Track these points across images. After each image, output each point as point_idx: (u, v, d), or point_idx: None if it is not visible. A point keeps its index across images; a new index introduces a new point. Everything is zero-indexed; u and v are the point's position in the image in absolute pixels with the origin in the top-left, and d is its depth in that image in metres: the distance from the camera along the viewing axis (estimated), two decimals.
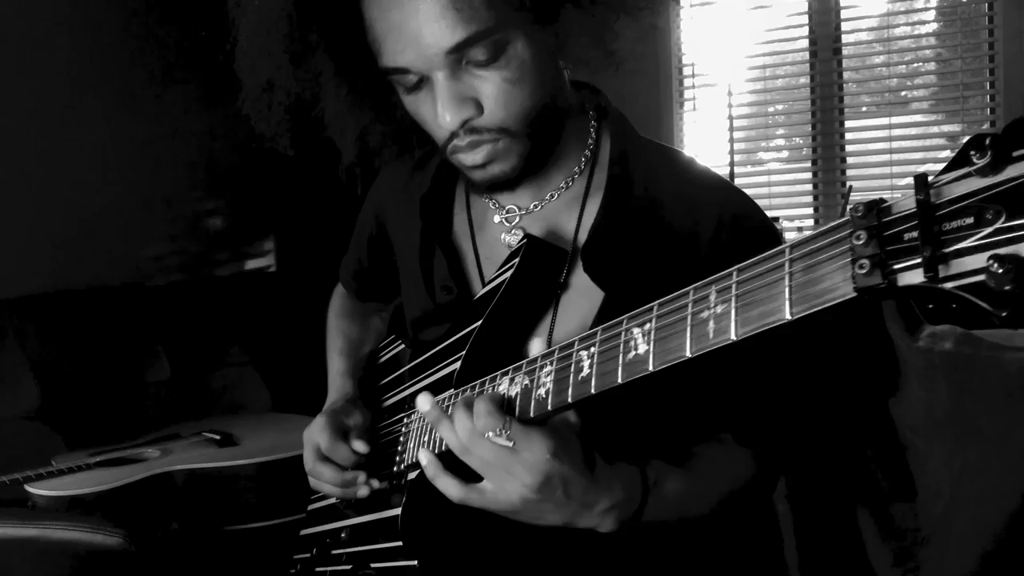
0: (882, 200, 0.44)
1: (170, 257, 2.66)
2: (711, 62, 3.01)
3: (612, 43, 0.77)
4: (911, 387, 1.29)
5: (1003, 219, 0.38)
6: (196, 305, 2.53)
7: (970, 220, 0.39)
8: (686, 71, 3.03)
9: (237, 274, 2.89)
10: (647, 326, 0.59)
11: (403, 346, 1.09)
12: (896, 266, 0.42)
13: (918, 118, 2.95)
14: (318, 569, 1.04)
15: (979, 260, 0.39)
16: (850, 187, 2.72)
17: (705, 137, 3.05)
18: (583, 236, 0.85)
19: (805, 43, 2.93)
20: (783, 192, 3.06)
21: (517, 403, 0.70)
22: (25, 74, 2.22)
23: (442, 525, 0.88)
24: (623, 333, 0.61)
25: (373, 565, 0.91)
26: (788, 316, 0.48)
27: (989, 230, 0.38)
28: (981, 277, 0.38)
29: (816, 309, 0.46)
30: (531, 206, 0.89)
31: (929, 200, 0.41)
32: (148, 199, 2.54)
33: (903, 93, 2.97)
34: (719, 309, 0.53)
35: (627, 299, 0.80)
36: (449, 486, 0.73)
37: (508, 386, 0.72)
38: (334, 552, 1.02)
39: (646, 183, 0.85)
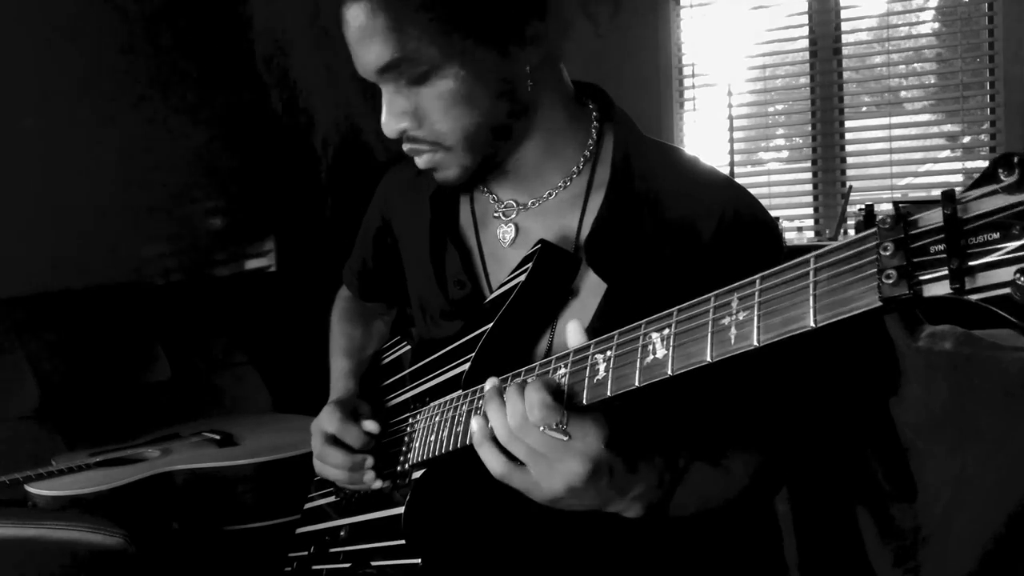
0: (908, 213, 0.46)
1: (170, 257, 2.66)
2: (711, 62, 3.02)
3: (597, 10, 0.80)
4: (911, 387, 1.29)
5: None
6: (196, 305, 2.53)
7: (996, 235, 0.41)
8: (686, 71, 3.03)
9: (237, 274, 2.90)
10: (666, 331, 0.60)
11: (407, 348, 1.09)
12: (922, 277, 0.44)
13: (918, 118, 2.95)
14: (315, 567, 1.04)
15: (1006, 274, 0.40)
16: (850, 187, 2.72)
17: (705, 137, 3.05)
18: (585, 233, 0.85)
19: (805, 43, 2.93)
20: (783, 192, 3.06)
21: (568, 390, 0.68)
22: (26, 75, 2.22)
23: (446, 524, 0.88)
24: (641, 337, 0.62)
25: (373, 564, 0.91)
26: (812, 324, 0.49)
27: (1015, 244, 0.40)
28: (1007, 290, 0.40)
29: (841, 318, 0.47)
30: (528, 202, 0.90)
31: (956, 214, 0.43)
32: (148, 199, 2.54)
33: (903, 93, 2.97)
34: (741, 316, 0.54)
35: (630, 291, 0.80)
36: (493, 458, 0.71)
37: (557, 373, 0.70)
38: (332, 550, 1.02)
39: (650, 179, 0.86)
